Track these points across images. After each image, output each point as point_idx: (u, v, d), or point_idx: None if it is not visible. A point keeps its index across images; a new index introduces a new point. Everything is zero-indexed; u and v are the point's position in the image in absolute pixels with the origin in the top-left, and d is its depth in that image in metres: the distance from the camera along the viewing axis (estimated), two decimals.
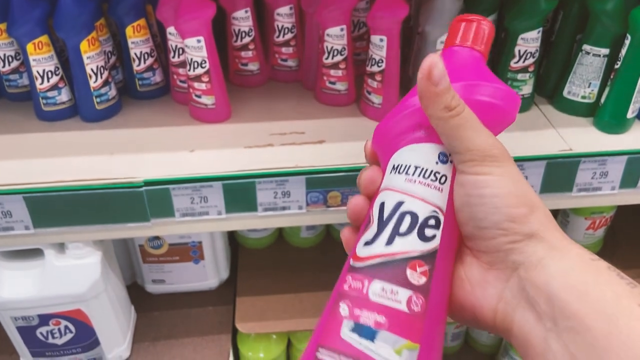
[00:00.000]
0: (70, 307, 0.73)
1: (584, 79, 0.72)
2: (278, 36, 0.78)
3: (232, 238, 1.03)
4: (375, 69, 0.69)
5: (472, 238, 0.34)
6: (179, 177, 0.61)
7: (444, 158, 0.35)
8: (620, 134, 0.70)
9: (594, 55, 0.70)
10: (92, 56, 0.68)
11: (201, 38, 0.66)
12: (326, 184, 0.63)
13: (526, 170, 0.65)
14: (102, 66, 0.69)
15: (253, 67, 0.79)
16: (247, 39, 0.77)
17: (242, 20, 0.75)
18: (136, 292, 0.93)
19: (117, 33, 0.75)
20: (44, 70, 0.68)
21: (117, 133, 0.70)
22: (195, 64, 0.68)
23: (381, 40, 0.67)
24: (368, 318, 0.31)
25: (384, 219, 0.34)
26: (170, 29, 0.70)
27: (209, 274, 0.93)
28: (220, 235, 0.91)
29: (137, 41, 0.73)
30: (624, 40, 0.66)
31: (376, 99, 0.71)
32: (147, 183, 0.61)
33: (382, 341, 0.30)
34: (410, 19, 0.79)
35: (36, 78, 0.69)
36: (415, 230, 0.33)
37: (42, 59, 0.68)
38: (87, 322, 0.75)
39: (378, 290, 0.32)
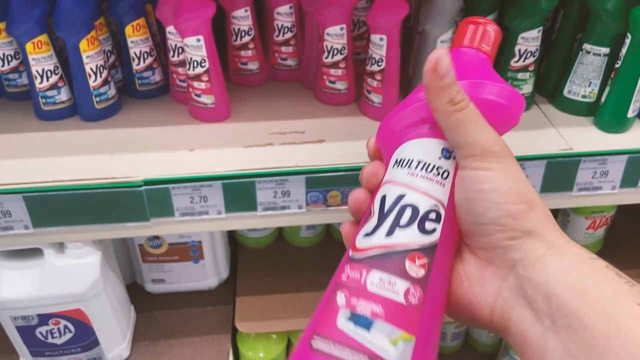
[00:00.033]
0: (70, 306, 0.73)
1: (585, 78, 0.72)
2: (278, 35, 0.78)
3: (232, 238, 1.03)
4: (375, 68, 0.69)
5: (471, 234, 0.34)
6: (179, 177, 0.61)
7: (447, 154, 0.35)
8: (621, 133, 0.70)
9: (594, 54, 0.70)
10: (91, 55, 0.67)
11: (201, 37, 0.66)
12: (326, 184, 0.63)
13: (526, 169, 0.65)
14: (101, 65, 0.69)
15: (253, 66, 0.79)
16: (246, 38, 0.77)
17: (242, 19, 0.75)
18: (136, 292, 0.93)
19: (116, 32, 0.75)
20: (43, 70, 0.68)
21: (116, 132, 0.70)
22: (195, 63, 0.68)
23: (381, 39, 0.67)
24: (365, 308, 0.31)
25: (385, 212, 0.34)
26: (170, 28, 0.70)
27: (208, 273, 0.93)
28: (220, 234, 0.91)
29: (137, 40, 0.73)
30: (624, 40, 0.66)
31: (376, 98, 0.71)
32: (147, 182, 0.61)
33: (378, 331, 0.30)
34: (410, 18, 0.79)
35: (35, 77, 0.68)
36: (416, 223, 0.33)
37: (41, 58, 0.67)
38: (86, 322, 0.75)
39: (376, 280, 0.32)
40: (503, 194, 0.32)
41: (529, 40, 0.70)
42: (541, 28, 0.69)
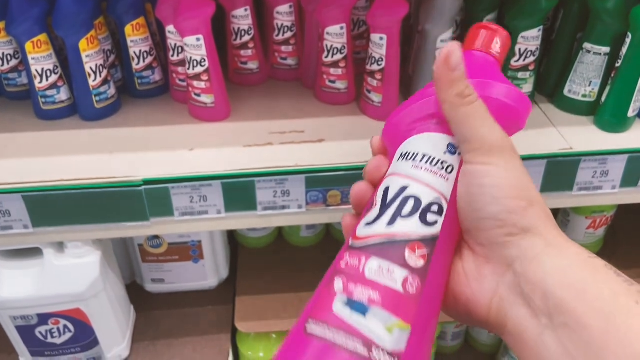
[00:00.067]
0: (70, 306, 0.73)
1: (585, 78, 0.72)
2: (278, 35, 0.78)
3: (232, 237, 1.03)
4: (375, 67, 0.69)
5: (471, 230, 0.34)
6: (179, 176, 0.61)
7: (453, 149, 0.35)
8: (621, 132, 0.70)
9: (594, 53, 0.70)
10: (91, 55, 0.67)
11: (200, 36, 0.66)
12: (326, 183, 0.63)
13: (526, 169, 0.65)
14: (101, 65, 0.69)
15: (253, 65, 0.79)
16: (246, 38, 0.76)
17: (242, 18, 0.75)
18: (135, 292, 0.92)
19: (116, 32, 0.75)
20: (42, 69, 0.68)
21: (116, 132, 0.70)
22: (195, 62, 0.67)
23: (381, 38, 0.66)
24: (362, 294, 0.31)
25: (387, 202, 0.34)
26: (170, 28, 0.70)
27: (208, 273, 0.92)
28: (219, 234, 0.91)
29: (137, 40, 0.72)
30: (625, 39, 0.66)
31: (376, 98, 0.70)
32: (147, 182, 0.60)
33: (374, 317, 0.30)
34: (411, 18, 0.78)
35: (35, 77, 0.68)
36: (418, 214, 0.33)
37: (41, 57, 0.67)
38: (86, 322, 0.75)
39: (375, 268, 0.32)
40: (503, 189, 0.33)
41: (529, 40, 0.69)
42: (541, 27, 0.69)
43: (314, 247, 1.01)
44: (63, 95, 0.71)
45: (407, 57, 0.78)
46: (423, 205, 0.34)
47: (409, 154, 0.36)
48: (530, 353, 0.31)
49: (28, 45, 0.66)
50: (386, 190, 0.35)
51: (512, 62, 0.71)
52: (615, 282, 0.30)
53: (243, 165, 0.62)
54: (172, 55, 0.72)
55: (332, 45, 0.71)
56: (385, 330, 0.30)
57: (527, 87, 0.73)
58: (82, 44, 0.66)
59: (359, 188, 0.38)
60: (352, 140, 0.67)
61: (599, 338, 0.28)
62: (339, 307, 0.31)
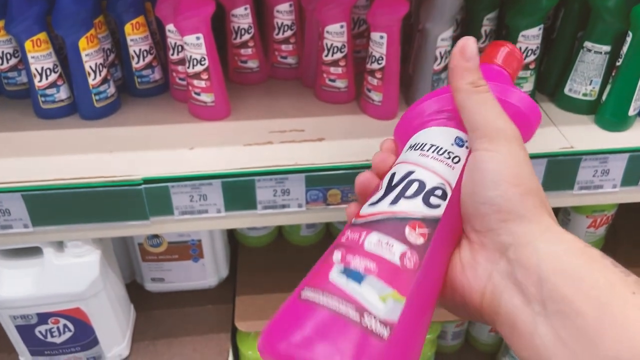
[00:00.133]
0: (69, 305, 0.73)
1: (585, 77, 0.71)
2: (278, 33, 0.78)
3: (232, 236, 1.03)
4: (375, 66, 0.69)
5: (468, 216, 0.35)
6: (178, 175, 0.61)
7: (460, 142, 0.36)
8: (622, 131, 0.70)
9: (595, 52, 0.70)
10: (90, 53, 0.67)
11: (200, 35, 0.65)
12: (326, 182, 0.63)
13: None
14: (100, 64, 0.69)
15: (252, 64, 0.79)
16: (246, 37, 0.76)
17: (242, 17, 0.75)
18: (135, 291, 0.92)
19: (116, 30, 0.74)
20: (42, 68, 0.68)
21: (116, 131, 0.69)
22: (195, 61, 0.67)
23: (381, 37, 0.66)
24: (359, 264, 0.31)
25: (392, 185, 0.35)
26: (170, 26, 0.70)
27: (208, 272, 0.92)
28: (219, 233, 0.91)
29: (136, 39, 0.72)
30: (626, 38, 0.66)
31: (376, 97, 0.70)
32: (146, 181, 0.60)
33: (369, 285, 0.30)
34: (411, 16, 0.78)
35: (35, 75, 0.68)
36: (421, 196, 0.34)
37: (40, 56, 0.67)
38: (86, 321, 0.75)
39: (374, 241, 0.32)
40: (503, 174, 0.33)
41: (530, 39, 0.69)
42: (542, 26, 0.69)
43: (314, 246, 1.01)
44: (63, 94, 0.71)
45: (408, 56, 0.78)
46: (427, 189, 0.34)
47: (418, 144, 0.37)
48: (524, 341, 0.31)
49: (27, 44, 0.66)
50: (392, 175, 0.36)
51: None
52: (612, 272, 0.30)
53: (243, 164, 0.62)
54: (172, 54, 0.72)
55: (332, 44, 0.70)
56: (379, 299, 0.30)
57: (528, 86, 0.73)
58: (82, 42, 0.66)
59: (364, 177, 0.39)
60: (352, 139, 0.67)
61: (594, 326, 0.28)
62: (335, 275, 0.31)
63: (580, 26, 0.73)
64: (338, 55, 0.71)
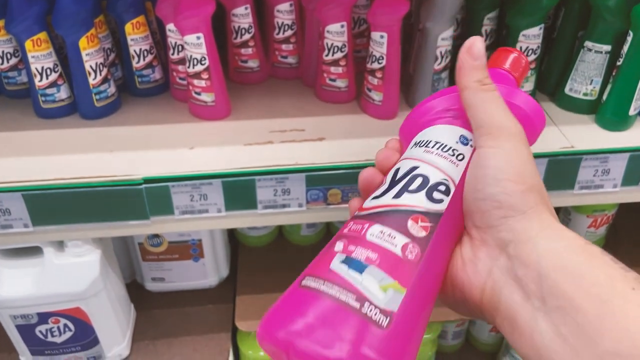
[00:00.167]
0: (70, 305, 0.73)
1: (586, 76, 0.71)
2: (278, 33, 0.78)
3: (232, 236, 1.03)
4: (375, 66, 0.69)
5: (470, 212, 0.35)
6: (179, 175, 0.61)
7: (465, 140, 0.37)
8: (622, 131, 0.70)
9: (595, 52, 0.70)
10: (91, 53, 0.67)
11: (201, 35, 0.65)
12: (326, 182, 0.63)
13: None
14: (101, 63, 0.69)
15: (253, 64, 0.79)
16: (247, 36, 0.76)
17: (242, 17, 0.75)
18: (136, 290, 0.92)
19: (116, 30, 0.74)
20: (42, 68, 0.68)
21: (116, 130, 0.69)
22: (195, 61, 0.67)
23: (382, 37, 0.66)
24: (361, 254, 0.31)
25: (396, 179, 0.36)
26: (170, 26, 0.70)
27: (208, 272, 0.92)
28: (220, 233, 0.91)
29: (137, 38, 0.72)
30: (626, 37, 0.66)
31: (377, 96, 0.70)
32: (147, 180, 0.60)
33: (370, 275, 0.30)
34: (411, 16, 0.78)
35: (35, 75, 0.68)
36: (425, 190, 0.34)
37: (40, 56, 0.67)
38: (86, 321, 0.75)
39: (376, 232, 0.32)
40: (505, 171, 0.33)
41: (530, 38, 0.69)
42: (542, 26, 0.69)
43: (315, 246, 1.01)
44: (63, 93, 0.71)
45: (408, 55, 0.78)
46: (431, 183, 0.35)
47: (423, 141, 0.38)
48: (523, 337, 0.31)
49: (28, 44, 0.66)
50: (396, 170, 0.37)
51: None
52: (612, 268, 0.30)
53: (243, 164, 0.62)
54: (172, 54, 0.72)
55: (332, 44, 0.70)
56: (380, 289, 0.30)
57: (528, 86, 0.73)
58: (82, 42, 0.66)
59: (368, 173, 0.39)
60: (353, 139, 0.67)
61: (594, 322, 0.28)
62: (337, 264, 0.31)
63: (580, 26, 0.73)
64: (338, 54, 0.71)
